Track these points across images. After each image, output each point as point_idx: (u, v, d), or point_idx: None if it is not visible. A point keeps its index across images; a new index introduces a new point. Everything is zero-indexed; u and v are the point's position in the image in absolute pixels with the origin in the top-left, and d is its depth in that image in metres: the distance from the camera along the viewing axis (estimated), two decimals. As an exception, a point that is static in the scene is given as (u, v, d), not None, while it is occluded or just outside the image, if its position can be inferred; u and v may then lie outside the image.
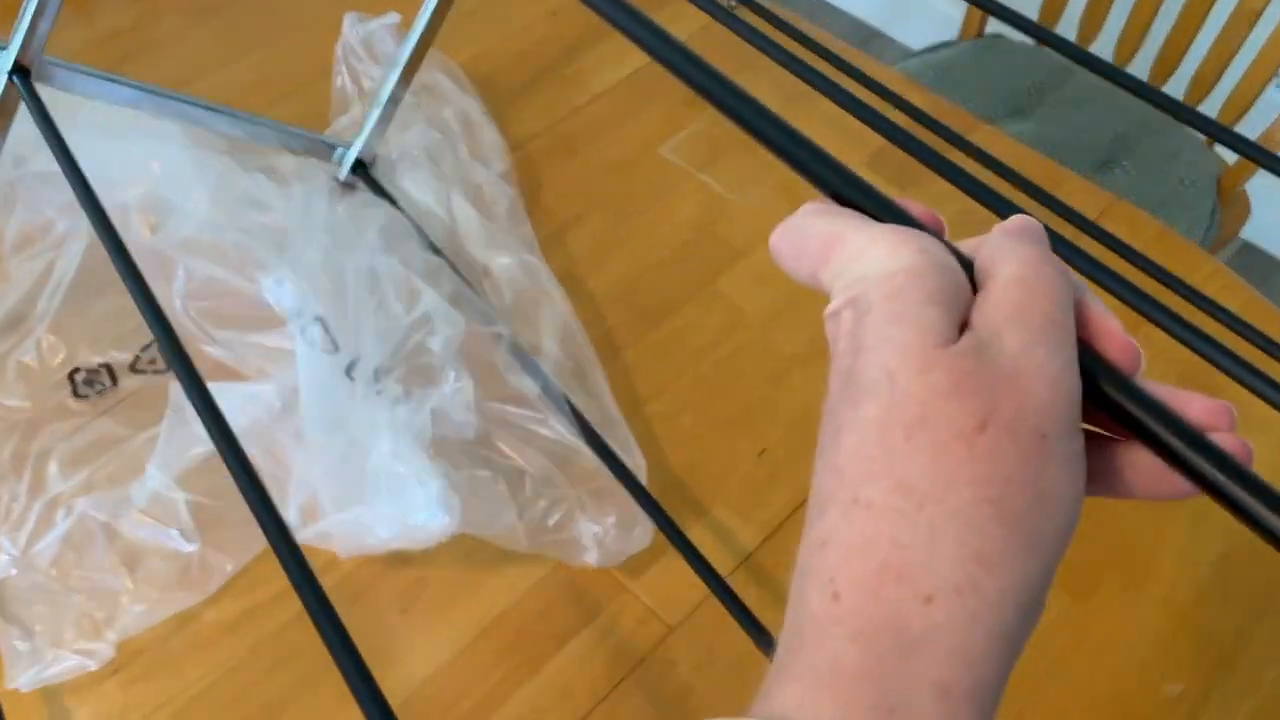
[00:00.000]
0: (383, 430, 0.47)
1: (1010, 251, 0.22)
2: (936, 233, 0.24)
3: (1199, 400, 0.22)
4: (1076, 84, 1.21)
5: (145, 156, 0.60)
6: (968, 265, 0.23)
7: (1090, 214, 0.73)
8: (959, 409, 0.20)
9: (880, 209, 0.25)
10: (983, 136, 0.77)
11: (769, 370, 0.63)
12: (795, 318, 0.65)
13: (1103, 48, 1.21)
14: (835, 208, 0.25)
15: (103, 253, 0.62)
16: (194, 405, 0.38)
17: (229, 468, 0.37)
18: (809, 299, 0.72)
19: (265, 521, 0.36)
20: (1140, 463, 0.23)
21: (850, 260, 0.23)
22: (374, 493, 0.47)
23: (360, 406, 0.49)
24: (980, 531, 0.20)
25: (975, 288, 0.23)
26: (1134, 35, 1.17)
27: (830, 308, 0.23)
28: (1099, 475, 0.23)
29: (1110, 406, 0.22)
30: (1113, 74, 0.53)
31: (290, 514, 0.49)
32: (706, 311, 0.66)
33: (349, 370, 0.51)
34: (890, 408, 0.21)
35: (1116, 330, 0.23)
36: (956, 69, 1.23)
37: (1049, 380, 0.21)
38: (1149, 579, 0.56)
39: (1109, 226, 0.72)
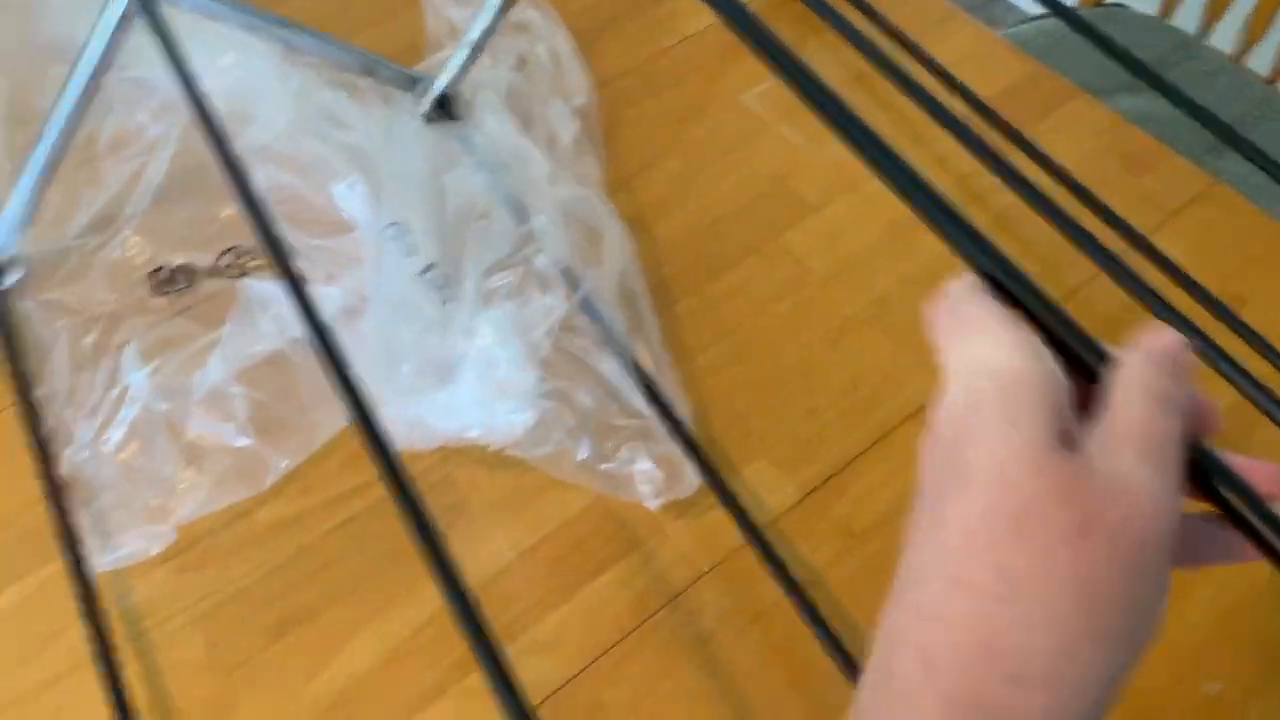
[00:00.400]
0: (483, 323, 0.49)
1: (1143, 386, 0.23)
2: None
3: (1263, 468, 0.24)
4: (1200, 61, 1.15)
5: (228, 65, 0.62)
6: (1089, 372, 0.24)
7: (1185, 195, 0.69)
8: (1066, 512, 0.22)
9: (1031, 298, 0.25)
10: (1077, 109, 0.74)
11: (828, 330, 0.62)
12: (860, 279, 0.64)
13: (1231, 23, 1.14)
14: (983, 299, 0.26)
15: (190, 159, 0.65)
16: (286, 291, 0.40)
17: (318, 353, 0.39)
18: (876, 261, 0.71)
19: (352, 406, 0.37)
20: (1218, 533, 0.24)
21: (971, 351, 0.25)
22: (461, 380, 0.48)
23: (434, 302, 0.51)
24: (1073, 627, 0.22)
25: (1096, 392, 0.24)
26: (1266, 10, 1.10)
27: (940, 391, 0.25)
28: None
29: (1196, 475, 0.23)
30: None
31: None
32: (771, 265, 0.65)
33: (424, 273, 0.52)
34: (1000, 501, 0.22)
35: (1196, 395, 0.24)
36: (1072, 37, 1.18)
37: (1153, 498, 0.22)
38: (1198, 580, 0.54)
39: (1202, 210, 0.69)
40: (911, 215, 0.75)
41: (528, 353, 0.50)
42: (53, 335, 0.60)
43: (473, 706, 0.50)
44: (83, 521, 0.53)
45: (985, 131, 0.64)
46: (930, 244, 0.71)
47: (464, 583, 0.38)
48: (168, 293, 0.63)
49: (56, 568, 0.53)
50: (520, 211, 0.60)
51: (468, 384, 0.49)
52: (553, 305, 0.52)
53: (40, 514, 0.54)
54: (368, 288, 0.54)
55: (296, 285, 0.43)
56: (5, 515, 0.55)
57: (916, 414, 0.59)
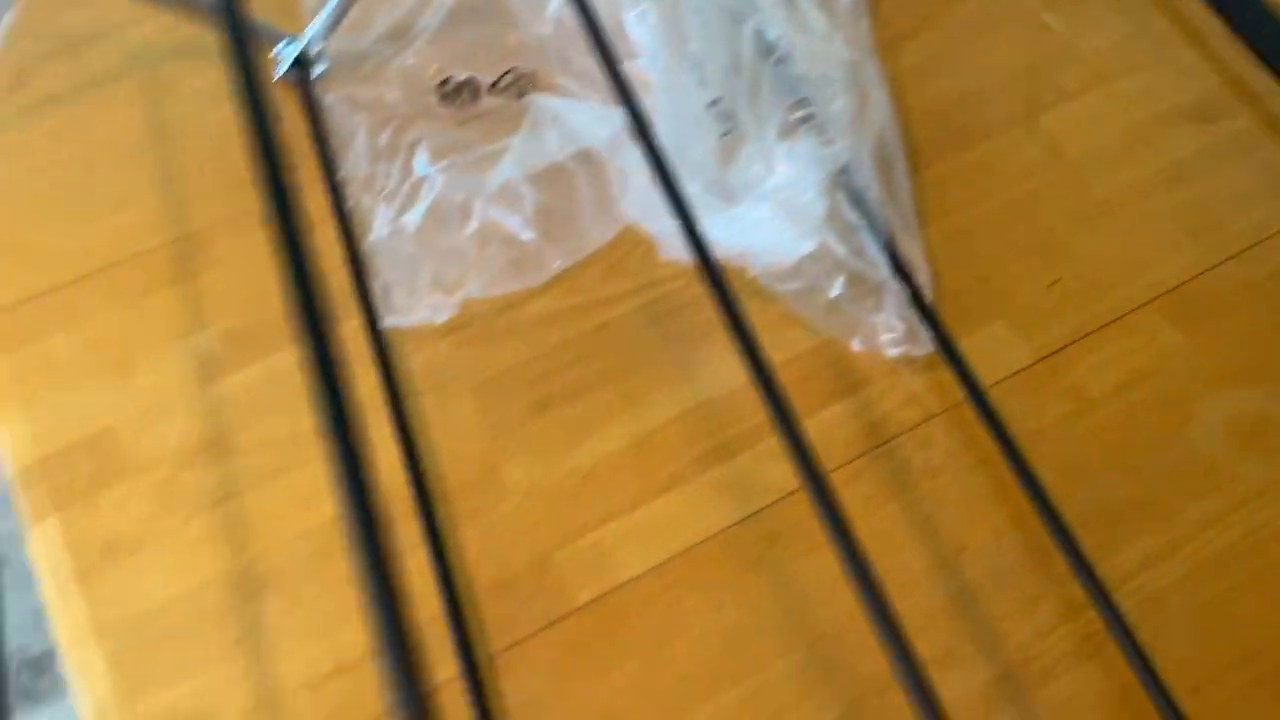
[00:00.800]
0: (779, 154, 0.52)
1: None
2: None
3: None
4: None
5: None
6: None
7: None
8: None
9: None
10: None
11: (1076, 210, 0.63)
12: (1116, 165, 0.65)
13: None
14: None
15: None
16: (617, 95, 0.44)
17: (641, 146, 0.43)
18: (1127, 153, 0.71)
19: (674, 202, 0.42)
20: None
21: None
22: (747, 203, 0.52)
23: (717, 133, 0.54)
24: None
25: None
26: None
27: None
28: None
29: None
30: None
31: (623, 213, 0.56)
32: (1022, 144, 0.66)
33: (710, 106, 0.56)
34: None
35: None
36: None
37: None
38: None
39: None
40: (1165, 114, 0.74)
41: (820, 186, 0.53)
42: (352, 127, 0.66)
43: (708, 496, 0.55)
44: (377, 289, 0.60)
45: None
46: (1182, 144, 0.71)
47: (767, 358, 0.43)
48: (453, 104, 0.68)
49: (351, 327, 0.60)
50: (800, 64, 0.62)
51: (754, 208, 0.52)
52: (839, 151, 0.55)
53: (340, 279, 0.61)
54: (654, 111, 0.58)
55: (620, 81, 0.48)
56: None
57: (1160, 298, 0.60)
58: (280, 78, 0.68)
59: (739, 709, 0.50)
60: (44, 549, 0.54)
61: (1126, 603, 0.51)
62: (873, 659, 0.51)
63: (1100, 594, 0.50)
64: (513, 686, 0.51)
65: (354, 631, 0.51)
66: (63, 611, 0.52)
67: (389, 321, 0.59)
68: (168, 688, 0.50)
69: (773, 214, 0.53)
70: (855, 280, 0.59)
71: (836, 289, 0.58)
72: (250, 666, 0.50)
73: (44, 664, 1.26)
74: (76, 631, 0.52)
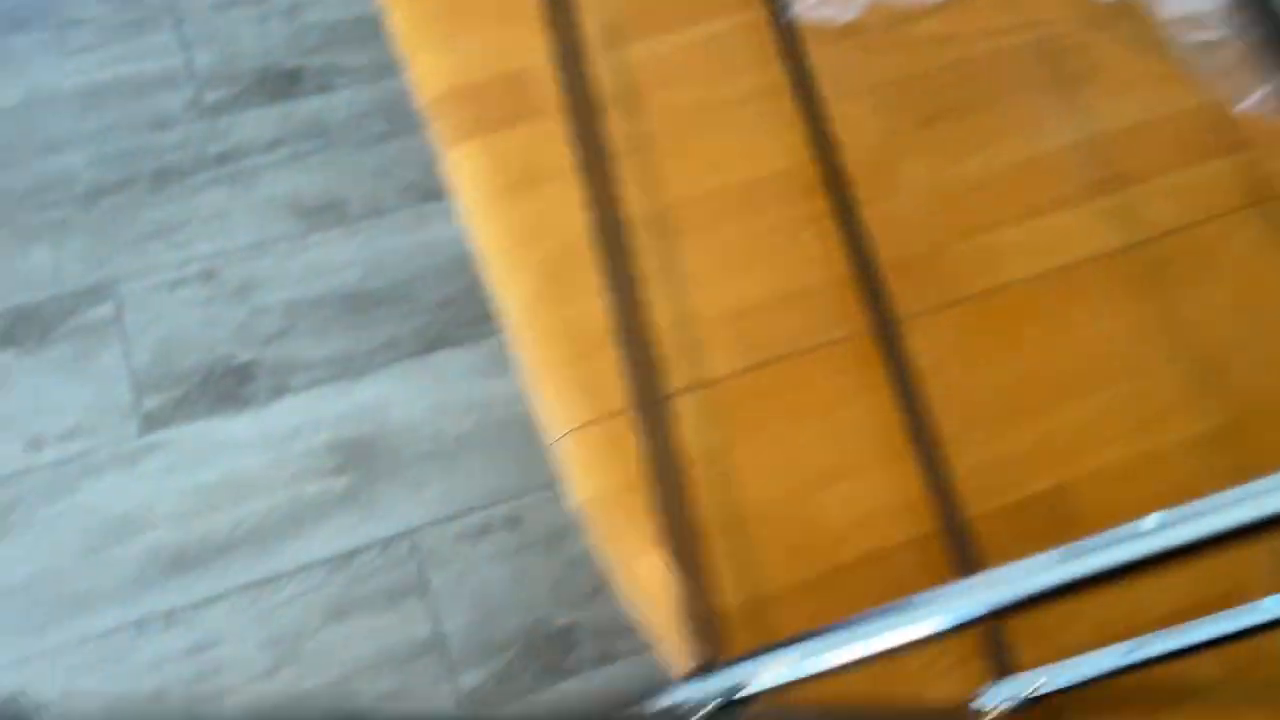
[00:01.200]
0: None
1: None
2: None
3: None
4: None
5: None
6: None
7: None
8: None
9: None
10: None
11: None
12: None
13: None
14: None
15: None
16: None
17: None
18: None
19: None
20: None
21: None
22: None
23: None
24: None
25: None
26: None
27: None
28: None
29: None
30: None
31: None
32: None
33: None
34: None
35: None
36: None
37: None
38: None
39: None
40: None
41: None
42: None
43: (1094, 220, 0.57)
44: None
45: None
46: None
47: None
48: None
49: (755, 17, 0.61)
50: None
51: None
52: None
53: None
54: None
55: None
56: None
57: None
58: None
59: (1124, 404, 0.53)
60: (466, 168, 0.57)
61: None
62: (1260, 383, 0.54)
63: None
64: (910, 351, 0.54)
65: (761, 281, 0.54)
66: (486, 224, 0.56)
67: (794, 13, 0.60)
68: (585, 299, 0.53)
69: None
70: (1255, 45, 0.59)
71: (1237, 49, 0.58)
72: (668, 295, 0.54)
73: (249, 372, 1.33)
74: (502, 241, 0.55)
